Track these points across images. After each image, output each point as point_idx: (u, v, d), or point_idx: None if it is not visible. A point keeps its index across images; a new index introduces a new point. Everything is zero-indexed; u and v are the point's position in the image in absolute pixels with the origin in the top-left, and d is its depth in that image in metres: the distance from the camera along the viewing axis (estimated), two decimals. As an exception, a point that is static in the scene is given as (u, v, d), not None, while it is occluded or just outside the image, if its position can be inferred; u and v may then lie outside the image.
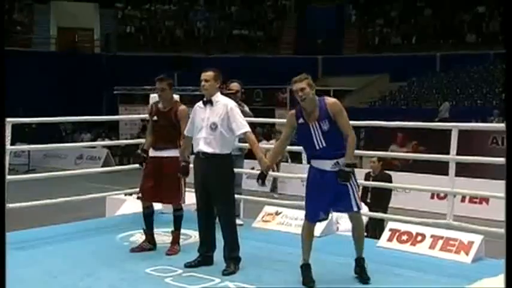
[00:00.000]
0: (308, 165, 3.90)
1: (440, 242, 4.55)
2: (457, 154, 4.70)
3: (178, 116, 4.49)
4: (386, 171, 7.69)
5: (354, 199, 3.77)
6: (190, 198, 4.67)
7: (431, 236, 4.62)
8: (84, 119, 7.89)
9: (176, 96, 4.92)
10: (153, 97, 5.86)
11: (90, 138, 19.38)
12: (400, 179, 9.45)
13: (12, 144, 5.70)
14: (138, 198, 4.73)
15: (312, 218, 3.85)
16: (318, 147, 3.73)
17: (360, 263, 3.87)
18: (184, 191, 4.56)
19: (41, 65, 22.03)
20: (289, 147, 4.77)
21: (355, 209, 3.79)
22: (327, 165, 3.74)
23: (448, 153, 4.72)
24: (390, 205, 9.35)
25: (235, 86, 5.08)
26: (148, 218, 4.59)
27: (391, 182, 7.39)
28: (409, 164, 11.86)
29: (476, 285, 1.49)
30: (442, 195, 9.00)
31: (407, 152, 12.42)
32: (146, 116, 4.99)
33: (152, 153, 4.58)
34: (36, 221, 6.02)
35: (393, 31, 24.36)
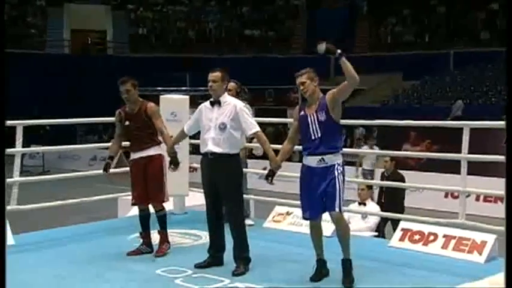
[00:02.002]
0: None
1: (453, 241, 4.50)
2: (471, 153, 4.64)
3: (149, 113, 4.43)
4: (399, 171, 7.66)
5: (338, 200, 3.72)
6: (199, 198, 4.67)
7: (444, 236, 4.57)
8: (98, 120, 7.92)
9: (180, 96, 4.84)
10: (164, 98, 5.89)
11: (104, 139, 19.52)
12: (413, 178, 9.38)
13: (26, 146, 5.77)
14: (132, 204, 4.68)
15: (306, 216, 3.88)
16: (313, 137, 3.76)
17: (344, 264, 3.78)
18: (167, 191, 4.51)
19: (54, 67, 22.24)
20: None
21: (337, 209, 3.72)
22: (313, 161, 3.76)
23: (461, 151, 4.67)
24: (408, 205, 9.29)
25: (231, 85, 5.05)
26: (144, 221, 4.56)
27: (403, 181, 7.35)
28: (423, 163, 11.76)
29: (472, 284, 1.46)
30: (455, 194, 8.91)
31: (420, 150, 12.32)
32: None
33: (133, 156, 4.53)
34: (50, 222, 6.08)
35: (406, 29, 24.19)
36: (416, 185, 7.61)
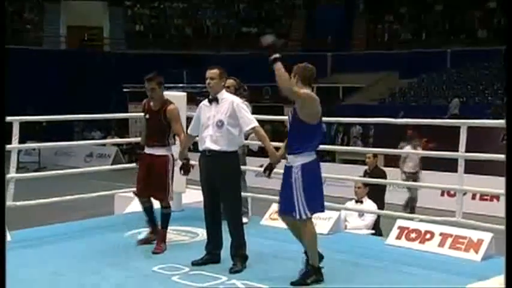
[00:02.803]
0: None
1: (450, 239, 4.50)
2: (467, 151, 4.65)
3: (168, 116, 4.50)
4: (381, 168, 7.78)
5: (297, 206, 3.67)
6: (196, 196, 4.66)
7: (441, 234, 4.58)
8: (94, 117, 7.92)
9: (177, 93, 4.90)
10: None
11: (100, 136, 19.47)
12: (409, 176, 9.41)
13: (22, 142, 5.74)
14: (134, 193, 4.82)
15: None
16: (288, 135, 3.84)
17: (306, 266, 3.77)
18: (172, 190, 4.59)
19: (51, 63, 22.17)
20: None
21: (297, 216, 3.69)
22: (286, 160, 3.82)
23: (458, 150, 4.67)
24: (400, 203, 9.33)
25: (230, 82, 5.04)
26: (147, 213, 4.65)
27: (385, 177, 7.44)
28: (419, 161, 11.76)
29: (482, 284, 1.47)
30: (452, 192, 8.93)
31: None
32: None
33: (145, 150, 4.65)
34: (45, 219, 6.06)
35: (403, 27, 24.21)
36: (413, 183, 7.63)
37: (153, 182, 4.51)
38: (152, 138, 4.56)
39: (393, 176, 8.53)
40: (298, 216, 3.70)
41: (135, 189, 4.73)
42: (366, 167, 7.82)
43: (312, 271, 3.73)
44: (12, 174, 4.96)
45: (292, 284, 3.71)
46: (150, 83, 4.52)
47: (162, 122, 4.51)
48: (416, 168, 9.39)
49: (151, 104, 4.59)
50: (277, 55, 3.63)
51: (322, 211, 3.90)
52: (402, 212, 7.56)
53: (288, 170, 3.75)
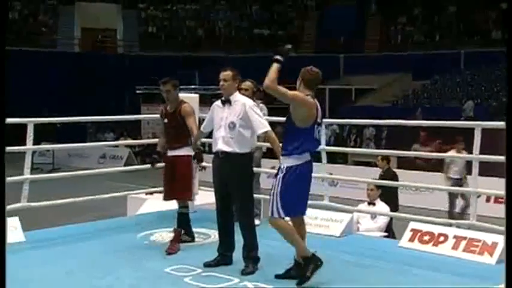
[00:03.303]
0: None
1: (464, 242, 4.46)
2: (482, 153, 4.61)
3: (183, 114, 4.61)
4: (393, 170, 7.76)
5: (272, 205, 3.68)
6: (209, 197, 4.67)
7: (454, 237, 4.54)
8: (107, 118, 7.99)
9: (190, 95, 4.96)
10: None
11: (113, 137, 19.60)
12: (423, 179, 9.36)
13: (37, 143, 5.81)
14: (163, 199, 4.88)
15: None
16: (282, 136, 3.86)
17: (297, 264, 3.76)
18: (194, 191, 4.64)
19: (65, 65, 22.37)
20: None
21: (274, 215, 3.68)
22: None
23: (472, 152, 4.63)
24: (413, 205, 9.26)
25: (247, 85, 5.05)
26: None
27: (397, 179, 7.40)
28: (433, 163, 11.70)
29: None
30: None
31: (430, 151, 12.25)
32: None
33: (168, 153, 4.74)
34: (59, 220, 6.11)
35: (416, 29, 24.08)
36: (427, 185, 7.52)
37: (177, 183, 4.59)
38: (172, 140, 4.66)
39: (405, 178, 8.49)
40: (270, 214, 3.71)
41: (149, 190, 4.79)
42: (380, 170, 7.78)
43: (306, 262, 3.70)
44: (26, 175, 5.01)
45: (297, 284, 3.69)
46: (165, 86, 4.64)
47: (179, 122, 4.60)
48: (462, 173, 8.87)
49: (168, 107, 4.70)
50: (277, 57, 3.67)
51: (303, 215, 3.88)
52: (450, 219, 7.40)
53: (278, 170, 3.78)
